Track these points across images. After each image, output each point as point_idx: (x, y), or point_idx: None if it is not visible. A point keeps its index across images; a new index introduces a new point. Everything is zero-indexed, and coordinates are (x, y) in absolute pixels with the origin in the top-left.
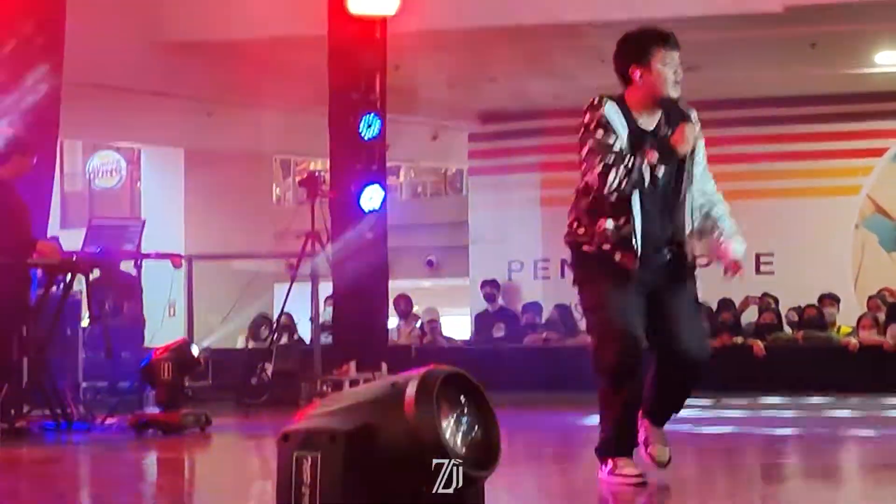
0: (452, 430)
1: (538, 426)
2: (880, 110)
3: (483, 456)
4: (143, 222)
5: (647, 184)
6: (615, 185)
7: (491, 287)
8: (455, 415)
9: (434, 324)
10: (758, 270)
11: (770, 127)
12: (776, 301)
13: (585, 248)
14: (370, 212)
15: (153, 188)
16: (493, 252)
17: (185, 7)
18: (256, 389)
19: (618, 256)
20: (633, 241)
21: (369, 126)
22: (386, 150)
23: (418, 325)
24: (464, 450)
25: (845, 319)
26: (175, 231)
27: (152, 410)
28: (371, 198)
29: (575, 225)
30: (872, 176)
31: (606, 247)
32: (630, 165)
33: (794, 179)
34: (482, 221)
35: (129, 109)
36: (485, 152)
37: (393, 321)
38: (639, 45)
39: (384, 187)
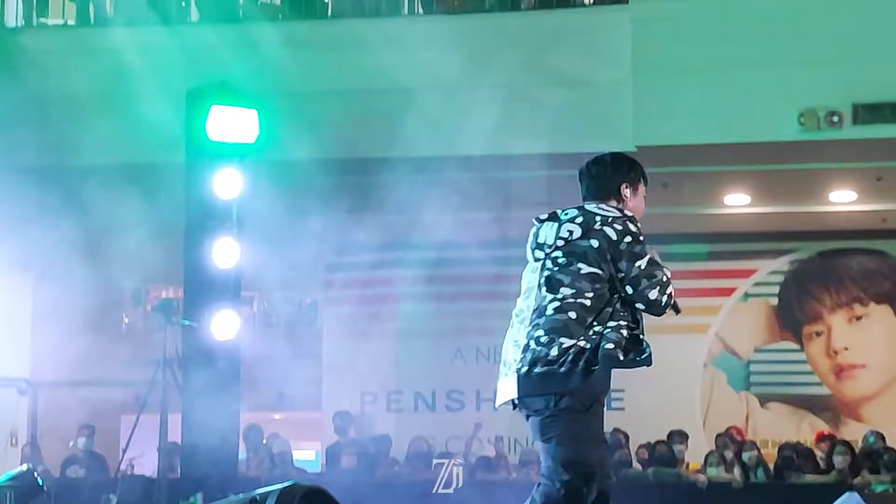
0: None
1: None
2: (729, 250)
3: None
4: None
5: None
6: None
7: (342, 419)
8: None
9: (285, 455)
10: (608, 406)
11: None
12: (626, 437)
13: (618, 354)
14: (223, 341)
15: None
16: (345, 383)
17: (36, 132)
18: None
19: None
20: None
21: (225, 254)
22: (241, 279)
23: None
24: None
25: (694, 457)
26: (20, 358)
27: None
28: (224, 327)
29: (592, 335)
30: (721, 315)
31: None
32: None
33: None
34: (335, 352)
35: None
36: (340, 283)
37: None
38: (633, 168)
39: (238, 316)
